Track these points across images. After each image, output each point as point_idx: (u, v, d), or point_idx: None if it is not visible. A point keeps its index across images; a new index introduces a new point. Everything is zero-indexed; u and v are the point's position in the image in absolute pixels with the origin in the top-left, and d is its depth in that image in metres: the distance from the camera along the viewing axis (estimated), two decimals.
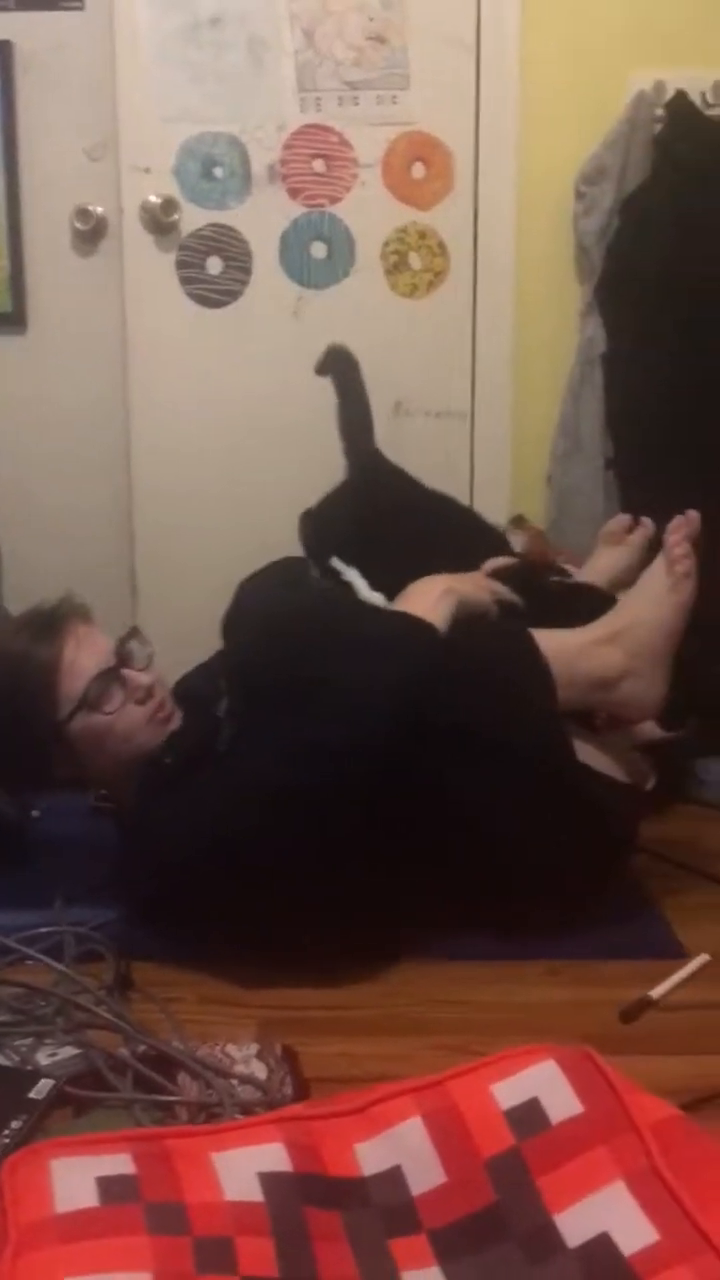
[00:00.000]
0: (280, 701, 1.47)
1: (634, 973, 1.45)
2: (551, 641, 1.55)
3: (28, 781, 1.64)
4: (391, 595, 1.64)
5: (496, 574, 1.72)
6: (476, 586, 1.64)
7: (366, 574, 1.72)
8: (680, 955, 1.49)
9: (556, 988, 1.45)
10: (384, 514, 1.82)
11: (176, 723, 1.59)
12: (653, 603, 1.57)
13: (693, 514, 1.59)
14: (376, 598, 1.68)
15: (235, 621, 1.77)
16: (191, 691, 1.66)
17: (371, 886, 1.43)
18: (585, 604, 1.68)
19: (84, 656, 1.53)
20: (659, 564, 1.59)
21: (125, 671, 1.54)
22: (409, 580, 1.63)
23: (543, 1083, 0.87)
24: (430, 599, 1.56)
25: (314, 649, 1.51)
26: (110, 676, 1.53)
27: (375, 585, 1.70)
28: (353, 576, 1.72)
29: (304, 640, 1.55)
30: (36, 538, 2.41)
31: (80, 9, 2.35)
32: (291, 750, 1.42)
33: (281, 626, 1.64)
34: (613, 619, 1.59)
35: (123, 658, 1.55)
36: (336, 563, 1.74)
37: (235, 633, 1.76)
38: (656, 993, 1.41)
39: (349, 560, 1.74)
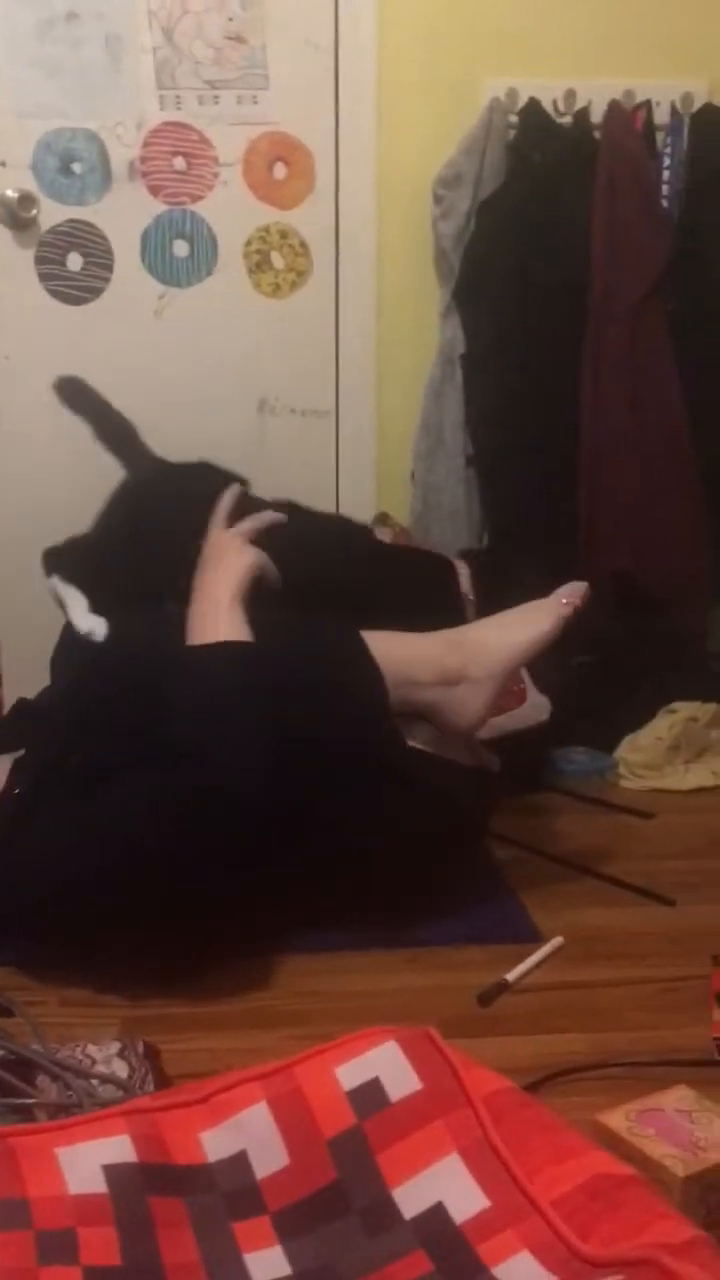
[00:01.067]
0: (127, 741, 1.47)
1: (492, 957, 1.49)
2: (393, 641, 1.58)
3: None
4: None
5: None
6: (238, 564, 1.63)
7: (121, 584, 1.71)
8: (537, 939, 1.54)
9: (417, 974, 1.49)
10: (148, 518, 1.80)
11: None
12: (511, 628, 1.60)
13: (583, 585, 1.63)
14: (96, 622, 1.66)
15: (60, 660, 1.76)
16: (31, 715, 1.66)
17: (229, 896, 1.44)
18: (416, 569, 1.74)
19: None
20: (540, 602, 1.62)
21: None
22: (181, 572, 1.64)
23: (384, 1063, 0.89)
24: (221, 618, 1.57)
25: (146, 688, 1.50)
26: None
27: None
28: (69, 596, 1.71)
29: (134, 681, 1.54)
30: None
31: None
32: (156, 803, 1.40)
33: (108, 668, 1.62)
34: (467, 628, 1.64)
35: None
36: (55, 582, 1.73)
37: (61, 670, 1.75)
38: (512, 976, 1.45)
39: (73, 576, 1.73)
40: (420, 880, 1.56)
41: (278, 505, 1.79)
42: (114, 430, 1.92)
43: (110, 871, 1.39)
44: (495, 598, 1.72)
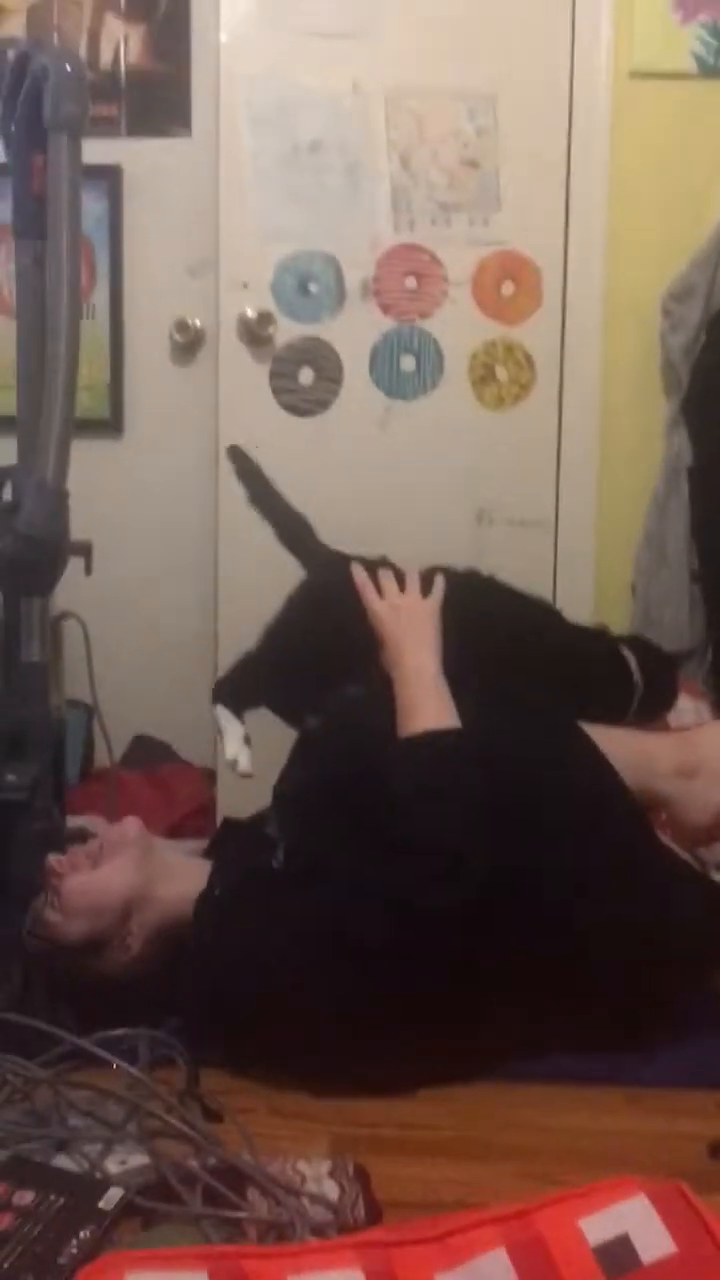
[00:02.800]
0: (339, 836, 1.46)
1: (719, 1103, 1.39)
2: (629, 731, 1.57)
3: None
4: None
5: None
6: (435, 634, 1.62)
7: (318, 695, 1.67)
8: None
9: (639, 1116, 1.39)
10: (329, 608, 1.75)
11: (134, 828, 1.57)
12: None
13: None
14: (245, 754, 1.67)
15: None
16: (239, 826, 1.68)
17: (450, 1012, 1.39)
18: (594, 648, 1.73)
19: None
20: None
21: (52, 878, 1.50)
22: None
23: (634, 1218, 0.83)
24: (433, 694, 1.54)
25: (364, 779, 1.49)
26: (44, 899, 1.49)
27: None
28: (228, 726, 1.71)
29: (354, 772, 1.53)
30: (126, 637, 2.46)
31: (188, 136, 2.48)
32: (374, 900, 1.38)
33: (327, 755, 1.61)
34: (696, 729, 1.64)
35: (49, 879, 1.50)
36: (218, 710, 1.74)
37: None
38: None
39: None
40: (647, 1008, 1.47)
41: (453, 572, 1.76)
42: (281, 516, 1.90)
43: (328, 970, 1.37)
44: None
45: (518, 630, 1.74)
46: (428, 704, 1.54)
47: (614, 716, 1.67)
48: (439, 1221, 0.87)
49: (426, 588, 1.68)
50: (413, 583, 1.68)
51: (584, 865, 1.45)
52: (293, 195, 2.43)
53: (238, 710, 1.73)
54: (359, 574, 1.70)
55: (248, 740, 1.71)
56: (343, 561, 1.75)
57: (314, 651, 1.71)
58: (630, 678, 1.72)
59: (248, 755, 1.69)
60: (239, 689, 1.75)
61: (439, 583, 1.69)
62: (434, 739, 1.50)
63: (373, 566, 1.72)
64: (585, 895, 1.44)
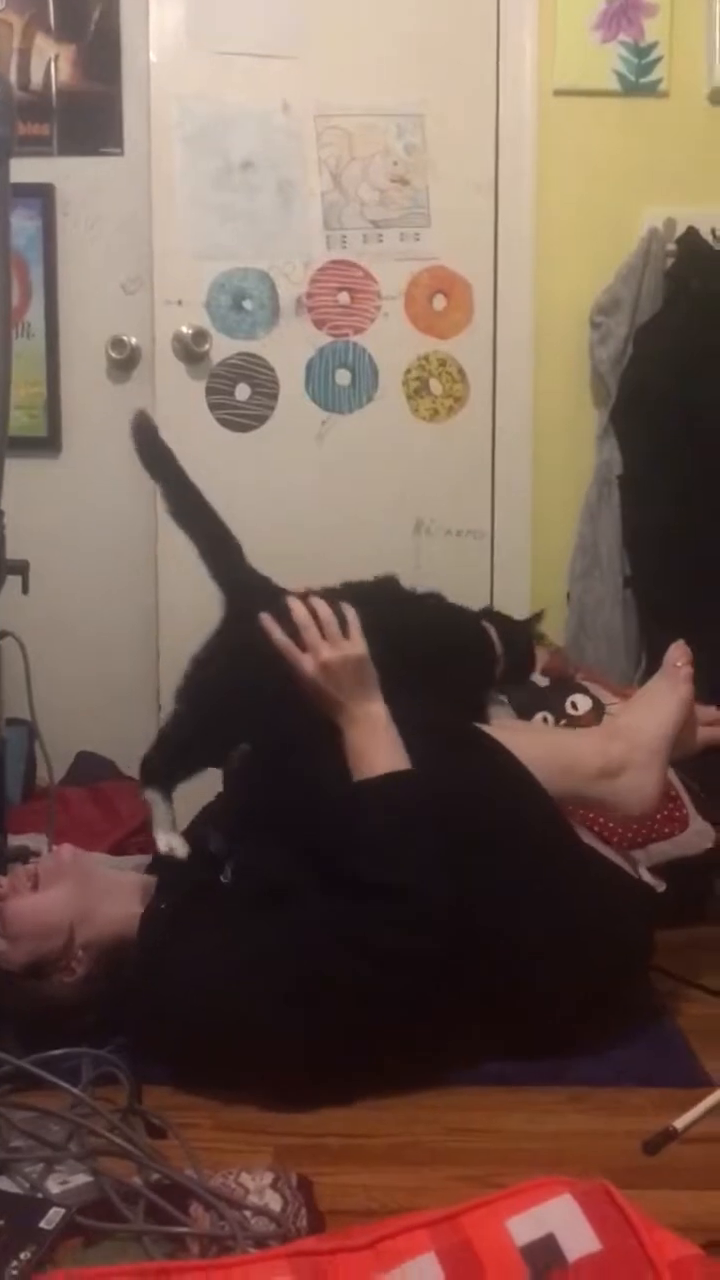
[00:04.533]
0: (293, 864, 1.47)
1: (657, 1101, 1.42)
2: (553, 736, 1.57)
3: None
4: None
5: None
6: (371, 674, 1.58)
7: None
8: (705, 1083, 1.45)
9: (578, 1115, 1.42)
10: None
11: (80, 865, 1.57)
12: (653, 705, 1.66)
13: (681, 644, 1.71)
14: (176, 842, 1.62)
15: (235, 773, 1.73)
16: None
17: (395, 1030, 1.41)
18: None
19: None
20: (659, 675, 1.69)
21: (6, 904, 1.50)
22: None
23: (559, 1218, 0.85)
24: (384, 738, 1.53)
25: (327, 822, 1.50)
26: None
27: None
28: (157, 812, 1.65)
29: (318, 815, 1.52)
30: (65, 653, 2.46)
31: (119, 155, 2.49)
32: (343, 934, 1.40)
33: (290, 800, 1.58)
34: (614, 720, 1.68)
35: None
36: (146, 794, 1.66)
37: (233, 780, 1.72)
38: (681, 1124, 1.37)
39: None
40: (582, 1010, 1.50)
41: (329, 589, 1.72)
42: (198, 523, 1.74)
43: (288, 996, 1.38)
44: None
45: (396, 626, 1.70)
46: (379, 748, 1.53)
47: (483, 684, 1.75)
48: (371, 1229, 0.89)
49: (343, 624, 1.60)
50: (334, 628, 1.58)
51: (517, 880, 1.48)
52: (225, 213, 2.45)
53: (169, 789, 1.65)
54: (276, 636, 1.59)
55: (175, 825, 1.65)
56: (265, 595, 1.65)
57: (242, 707, 1.63)
58: (492, 647, 1.76)
59: (180, 840, 1.63)
60: (170, 766, 1.67)
61: (353, 619, 1.60)
62: (392, 783, 1.50)
63: (291, 605, 1.61)
64: (520, 909, 1.47)
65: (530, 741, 1.61)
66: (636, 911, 1.59)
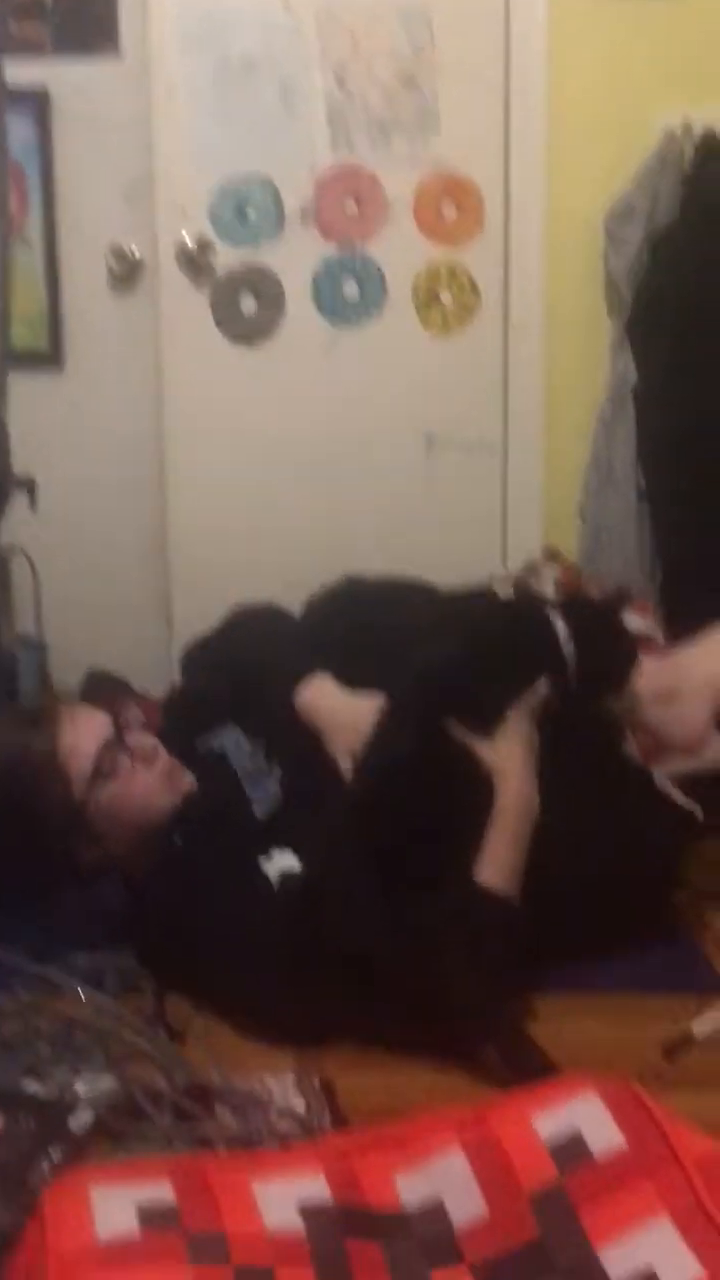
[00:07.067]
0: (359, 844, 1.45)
1: (674, 1007, 1.43)
2: None
3: (56, 874, 1.55)
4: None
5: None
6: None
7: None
8: None
9: (596, 1021, 1.43)
10: None
11: (187, 782, 1.58)
12: (712, 644, 1.65)
13: None
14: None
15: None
16: (213, 755, 1.65)
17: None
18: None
19: (82, 736, 1.53)
20: None
21: (128, 738, 1.55)
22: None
23: (585, 1115, 0.86)
24: (513, 844, 1.47)
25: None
26: (114, 745, 1.53)
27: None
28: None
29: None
30: (74, 570, 2.45)
31: (116, 55, 2.40)
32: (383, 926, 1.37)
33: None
34: (673, 652, 1.66)
35: (121, 726, 1.56)
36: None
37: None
38: (699, 1028, 1.39)
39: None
40: (606, 923, 1.51)
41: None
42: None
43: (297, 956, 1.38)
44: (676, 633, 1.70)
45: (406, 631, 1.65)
46: (509, 850, 1.47)
47: (552, 694, 1.55)
48: (399, 1127, 0.90)
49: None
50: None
51: (567, 784, 1.50)
52: (227, 116, 2.37)
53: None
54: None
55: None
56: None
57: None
58: (556, 646, 1.58)
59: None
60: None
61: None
62: (493, 908, 1.44)
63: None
64: (569, 812, 1.49)
65: None
66: (672, 833, 1.60)
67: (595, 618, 1.68)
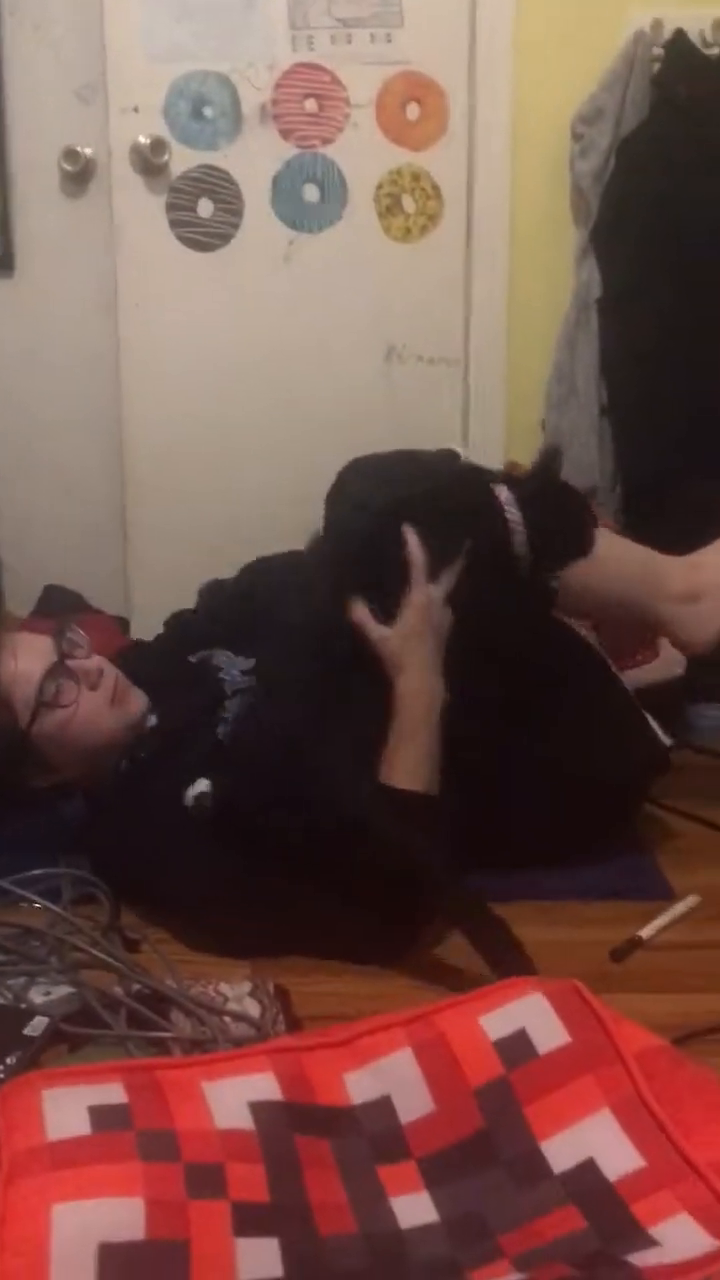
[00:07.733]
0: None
1: (625, 914, 1.46)
2: (646, 551, 1.62)
3: (8, 801, 1.55)
4: None
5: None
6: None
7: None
8: (669, 897, 1.50)
9: (548, 927, 1.46)
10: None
11: (137, 702, 1.57)
12: None
13: None
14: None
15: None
16: (208, 665, 1.64)
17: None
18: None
19: (25, 661, 1.50)
20: None
21: (71, 662, 1.52)
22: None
23: (530, 1014, 0.88)
24: (415, 737, 1.46)
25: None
26: (59, 670, 1.51)
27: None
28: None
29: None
30: (28, 484, 2.41)
31: None
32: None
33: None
34: (701, 552, 1.65)
35: (65, 650, 1.53)
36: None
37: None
38: (646, 933, 1.42)
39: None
40: (564, 837, 1.54)
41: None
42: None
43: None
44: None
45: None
46: (408, 745, 1.46)
47: (500, 571, 1.50)
48: (348, 1026, 0.91)
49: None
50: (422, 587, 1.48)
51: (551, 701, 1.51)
52: (183, 10, 2.28)
53: None
54: (415, 553, 1.49)
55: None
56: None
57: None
58: (504, 520, 1.49)
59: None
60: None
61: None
62: (402, 801, 1.42)
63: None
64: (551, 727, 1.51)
65: (624, 550, 1.62)
66: (645, 758, 1.63)
67: (543, 479, 1.62)
